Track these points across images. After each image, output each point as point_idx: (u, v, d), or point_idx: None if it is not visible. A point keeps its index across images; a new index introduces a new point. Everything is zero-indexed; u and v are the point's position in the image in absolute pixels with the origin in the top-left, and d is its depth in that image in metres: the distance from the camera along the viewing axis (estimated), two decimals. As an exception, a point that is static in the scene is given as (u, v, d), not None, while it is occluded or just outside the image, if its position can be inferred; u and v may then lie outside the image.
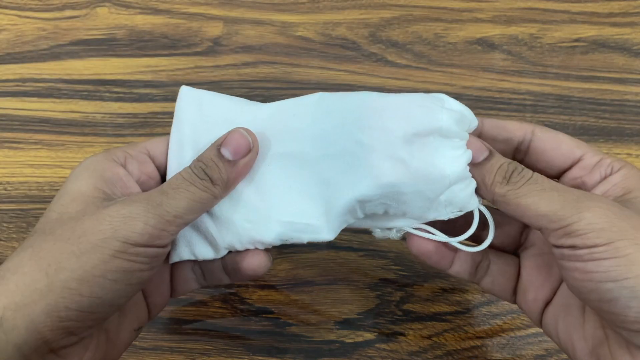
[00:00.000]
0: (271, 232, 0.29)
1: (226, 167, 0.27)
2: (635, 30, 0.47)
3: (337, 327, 0.38)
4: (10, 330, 0.22)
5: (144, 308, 0.30)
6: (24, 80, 0.46)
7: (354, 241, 0.40)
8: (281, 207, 0.29)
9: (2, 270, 0.24)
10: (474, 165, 0.27)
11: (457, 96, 0.28)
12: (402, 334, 0.38)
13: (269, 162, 0.29)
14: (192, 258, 0.30)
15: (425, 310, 0.39)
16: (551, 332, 0.28)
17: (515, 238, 0.31)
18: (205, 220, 0.29)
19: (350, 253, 0.40)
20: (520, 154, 0.29)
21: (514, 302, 0.30)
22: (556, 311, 0.28)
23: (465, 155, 0.27)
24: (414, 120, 0.27)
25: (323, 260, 0.40)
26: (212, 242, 0.29)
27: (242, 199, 0.29)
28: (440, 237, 0.28)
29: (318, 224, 0.28)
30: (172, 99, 0.45)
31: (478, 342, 0.38)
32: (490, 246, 0.30)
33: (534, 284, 0.29)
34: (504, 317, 0.38)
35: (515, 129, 0.29)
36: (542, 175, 0.26)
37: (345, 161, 0.28)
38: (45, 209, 0.41)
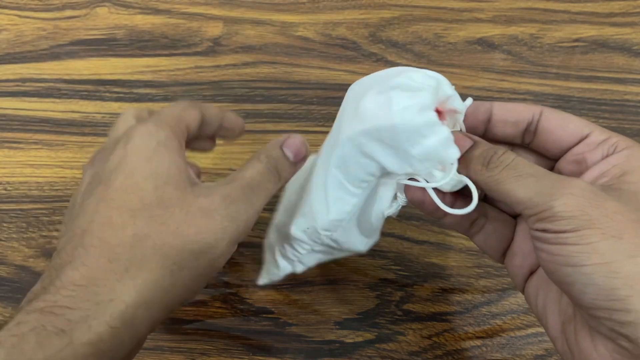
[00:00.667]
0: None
1: (290, 166, 0.29)
2: (635, 30, 0.47)
3: (337, 327, 0.38)
4: (139, 327, 0.23)
5: None
6: (24, 80, 0.46)
7: (354, 241, 0.40)
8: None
9: (123, 261, 0.23)
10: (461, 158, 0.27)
11: (457, 96, 0.28)
12: (402, 334, 0.38)
13: None
14: None
15: (425, 310, 0.39)
16: (531, 301, 0.29)
17: None
18: None
19: (350, 253, 0.40)
20: (529, 136, 0.29)
21: (502, 262, 0.31)
22: (538, 282, 0.28)
23: (423, 103, 0.25)
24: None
25: (323, 260, 0.40)
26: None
27: None
28: (422, 183, 0.27)
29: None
30: (172, 99, 0.45)
31: (478, 342, 0.38)
32: (491, 204, 0.30)
33: (523, 250, 0.29)
34: (504, 317, 0.38)
35: (523, 111, 0.29)
36: (524, 160, 0.26)
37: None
38: (45, 208, 0.42)
